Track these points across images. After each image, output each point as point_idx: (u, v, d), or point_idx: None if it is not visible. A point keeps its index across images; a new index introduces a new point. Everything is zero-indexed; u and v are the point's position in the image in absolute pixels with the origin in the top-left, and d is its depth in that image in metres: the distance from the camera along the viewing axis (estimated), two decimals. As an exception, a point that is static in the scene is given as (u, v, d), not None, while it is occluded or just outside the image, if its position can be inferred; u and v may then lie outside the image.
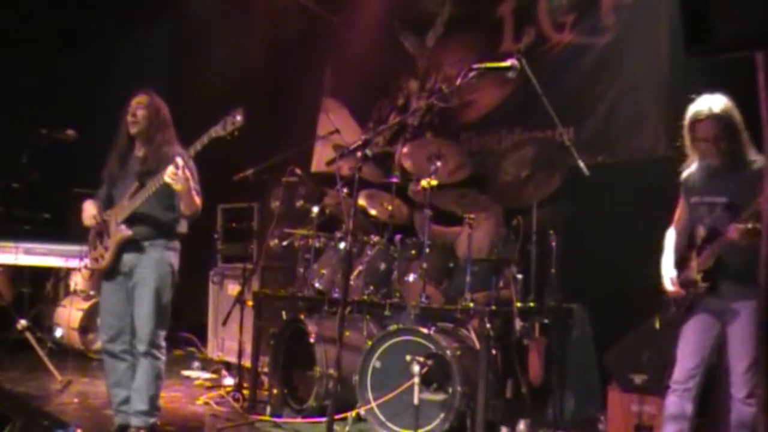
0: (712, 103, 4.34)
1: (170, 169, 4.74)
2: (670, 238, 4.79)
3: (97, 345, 8.39)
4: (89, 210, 5.16)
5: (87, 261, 5.30)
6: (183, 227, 5.24)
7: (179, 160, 4.76)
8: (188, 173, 4.85)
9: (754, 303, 4.17)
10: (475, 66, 4.28)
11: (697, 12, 1.65)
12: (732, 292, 4.30)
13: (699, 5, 1.65)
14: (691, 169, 4.63)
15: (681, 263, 4.62)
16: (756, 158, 4.31)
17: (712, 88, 4.56)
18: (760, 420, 1.60)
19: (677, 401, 4.47)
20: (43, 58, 11.55)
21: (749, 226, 4.06)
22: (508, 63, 4.31)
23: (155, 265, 5.09)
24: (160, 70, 10.75)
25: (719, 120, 4.30)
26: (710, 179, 4.48)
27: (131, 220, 5.04)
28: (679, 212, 4.79)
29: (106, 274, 5.17)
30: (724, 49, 1.69)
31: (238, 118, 4.70)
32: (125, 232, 5.03)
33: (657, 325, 4.88)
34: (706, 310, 4.45)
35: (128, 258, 5.09)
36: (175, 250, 5.22)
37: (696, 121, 4.39)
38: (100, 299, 5.36)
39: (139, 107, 5.15)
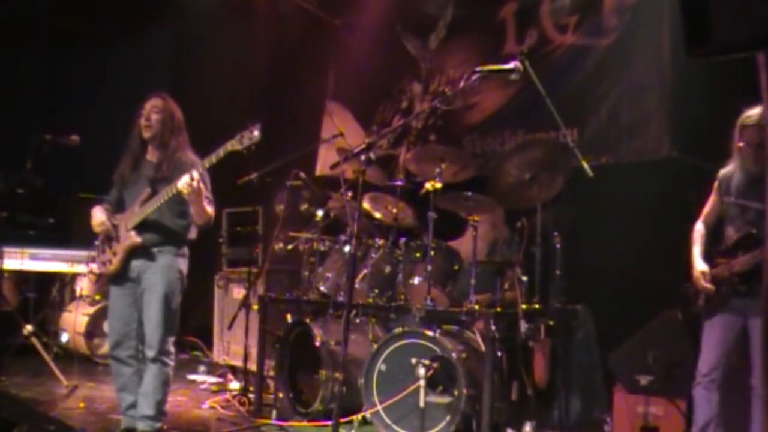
0: (762, 110, 4.43)
1: (185, 179, 4.72)
2: (700, 231, 4.89)
3: (103, 350, 8.41)
4: (98, 216, 5.12)
5: (94, 265, 5.28)
6: (193, 234, 5.24)
7: (195, 173, 4.75)
8: (202, 185, 4.84)
9: None
10: (478, 69, 4.30)
11: (697, 14, 1.66)
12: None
13: (699, 7, 1.65)
14: (728, 169, 4.75)
15: (708, 259, 4.76)
16: None
17: (715, 89, 4.60)
18: (764, 420, 1.60)
19: (703, 392, 4.67)
20: (46, 63, 11.58)
21: None
22: (510, 65, 4.32)
23: (164, 271, 5.06)
24: (163, 74, 10.75)
25: (765, 128, 4.38)
26: (748, 184, 4.62)
27: (141, 226, 5.03)
28: (709, 208, 4.91)
29: (114, 278, 5.16)
30: (724, 51, 1.70)
31: (256, 133, 4.68)
32: (135, 239, 5.01)
33: (680, 317, 4.97)
34: (731, 308, 4.60)
35: (137, 264, 5.08)
36: (184, 256, 5.20)
37: (744, 125, 4.55)
38: (108, 303, 5.35)
39: (153, 111, 5.10)
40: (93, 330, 8.45)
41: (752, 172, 4.58)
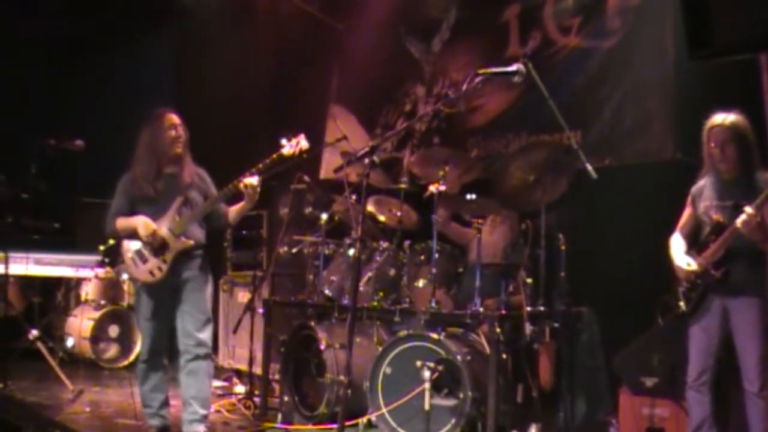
0: (729, 115, 4.65)
1: (256, 180, 5.16)
2: (677, 238, 5.02)
3: (108, 354, 8.48)
4: (149, 225, 5.21)
5: (140, 275, 5.28)
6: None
7: (257, 176, 5.17)
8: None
9: (758, 300, 4.50)
10: (481, 71, 4.29)
11: (699, 16, 1.66)
12: (743, 279, 4.56)
13: (701, 9, 1.66)
14: (700, 183, 4.91)
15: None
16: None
17: (718, 90, 4.64)
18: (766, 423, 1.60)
19: (695, 395, 4.78)
20: (49, 67, 11.58)
21: (757, 219, 4.37)
22: (514, 68, 4.31)
23: (206, 270, 5.43)
24: (165, 79, 10.77)
25: (732, 130, 4.62)
26: (721, 187, 4.76)
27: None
28: (685, 220, 5.05)
29: (158, 285, 5.29)
30: (726, 53, 1.70)
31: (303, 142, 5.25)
32: (188, 242, 5.26)
33: (660, 322, 5.08)
34: (709, 310, 4.71)
35: (182, 267, 5.29)
36: None
37: (711, 127, 4.71)
38: (144, 310, 5.39)
39: (181, 128, 5.36)
40: (98, 335, 8.48)
41: (724, 178, 4.73)
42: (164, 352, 5.46)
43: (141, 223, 5.22)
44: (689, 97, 6.04)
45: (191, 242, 5.26)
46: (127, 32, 10.98)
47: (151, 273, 5.25)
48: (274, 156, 5.22)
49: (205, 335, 5.35)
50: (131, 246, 5.31)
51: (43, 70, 11.54)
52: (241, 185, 5.16)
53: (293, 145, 5.29)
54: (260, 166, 5.22)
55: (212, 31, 10.18)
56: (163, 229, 5.21)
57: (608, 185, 5.68)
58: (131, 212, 5.32)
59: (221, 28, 10.11)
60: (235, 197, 5.36)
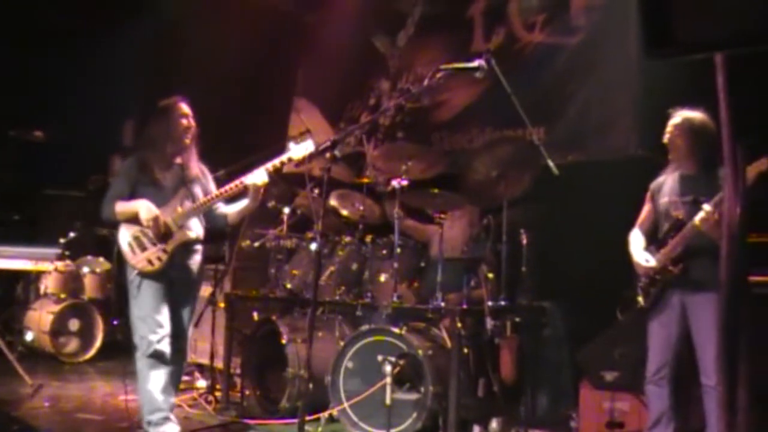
0: (686, 111, 4.71)
1: (261, 181, 5.03)
2: (636, 234, 5.06)
3: (69, 348, 8.38)
4: (152, 210, 5.00)
5: (138, 263, 5.10)
6: None
7: (264, 171, 5.05)
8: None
9: (717, 296, 4.37)
10: (443, 67, 4.31)
11: (656, 14, 1.66)
12: (702, 275, 4.58)
13: (658, 8, 1.66)
14: (660, 178, 4.94)
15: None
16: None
17: (682, 87, 4.69)
18: (720, 417, 1.61)
19: (655, 389, 4.81)
20: (16, 58, 11.45)
21: (715, 216, 4.36)
22: (475, 63, 4.33)
23: (200, 267, 5.30)
24: (133, 71, 10.68)
25: (682, 125, 4.70)
26: (682, 183, 4.79)
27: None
28: (644, 216, 5.08)
29: (156, 275, 5.07)
30: (683, 52, 1.70)
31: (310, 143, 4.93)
32: (190, 235, 5.12)
33: (619, 316, 5.12)
34: (668, 305, 4.76)
35: (182, 261, 5.13)
36: None
37: (673, 124, 4.76)
38: (145, 300, 5.07)
39: (192, 119, 5.24)
40: (58, 328, 8.37)
41: (686, 174, 4.77)
42: (169, 345, 5.10)
43: (144, 207, 4.99)
44: (654, 95, 6.08)
45: (193, 236, 5.12)
46: (95, 25, 10.88)
47: (150, 262, 5.03)
48: (284, 159, 5.01)
49: (188, 334, 5.26)
50: (128, 232, 5.08)
51: (9, 60, 11.41)
52: (247, 185, 5.05)
53: (302, 149, 4.95)
54: (269, 168, 5.05)
55: (182, 23, 10.10)
56: (167, 217, 5.06)
57: (573, 181, 5.70)
58: (131, 198, 5.11)
59: (191, 19, 10.03)
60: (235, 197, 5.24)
